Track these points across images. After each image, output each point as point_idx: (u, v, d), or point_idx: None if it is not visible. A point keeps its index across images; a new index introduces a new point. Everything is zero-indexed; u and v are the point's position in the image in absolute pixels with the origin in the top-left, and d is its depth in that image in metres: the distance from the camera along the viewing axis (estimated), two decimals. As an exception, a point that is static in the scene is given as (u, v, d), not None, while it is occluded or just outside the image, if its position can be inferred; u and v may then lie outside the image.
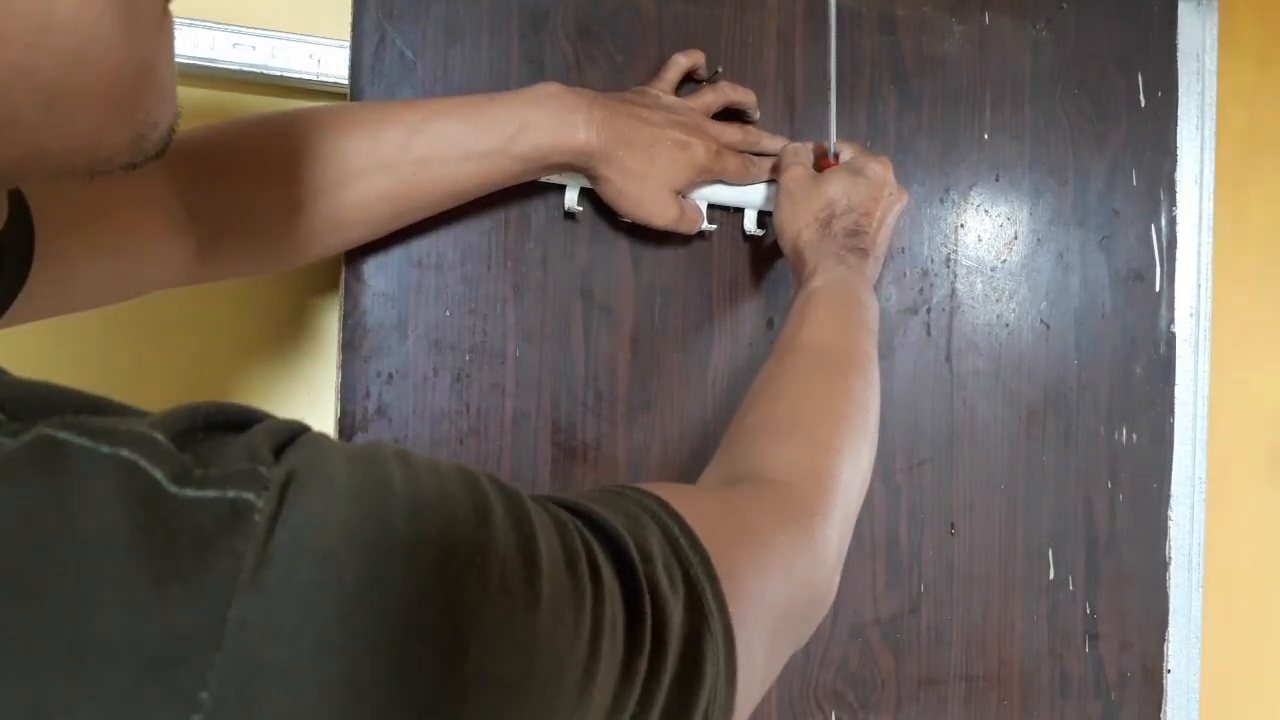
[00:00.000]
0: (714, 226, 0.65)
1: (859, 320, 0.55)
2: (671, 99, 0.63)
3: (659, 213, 0.60)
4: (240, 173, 0.50)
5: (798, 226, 0.61)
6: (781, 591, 0.39)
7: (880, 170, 0.61)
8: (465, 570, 0.23)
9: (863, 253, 0.59)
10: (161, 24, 0.28)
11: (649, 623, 0.29)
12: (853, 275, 0.58)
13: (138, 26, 0.26)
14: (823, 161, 0.64)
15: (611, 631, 0.27)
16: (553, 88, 0.55)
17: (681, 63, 0.64)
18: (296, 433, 0.24)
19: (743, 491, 0.44)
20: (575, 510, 0.32)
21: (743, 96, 0.65)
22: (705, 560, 0.34)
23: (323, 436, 0.25)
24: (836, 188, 0.60)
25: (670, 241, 0.66)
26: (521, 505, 0.27)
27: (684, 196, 0.62)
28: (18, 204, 0.40)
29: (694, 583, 0.32)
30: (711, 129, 0.62)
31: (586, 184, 0.61)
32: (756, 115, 0.67)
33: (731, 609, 0.33)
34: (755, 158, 0.64)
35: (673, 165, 0.58)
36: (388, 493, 0.23)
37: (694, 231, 0.63)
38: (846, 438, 0.49)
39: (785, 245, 0.62)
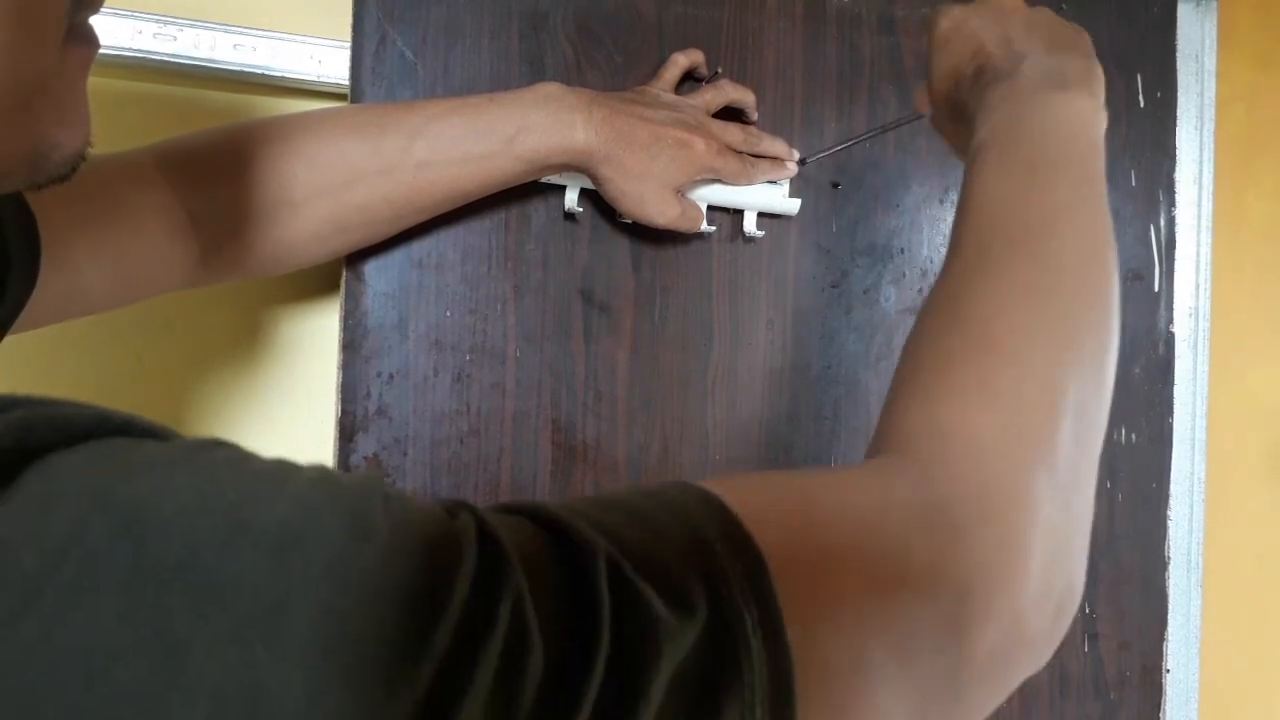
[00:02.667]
0: (714, 228, 0.65)
1: (1039, 160, 0.37)
2: (672, 97, 0.63)
3: (660, 211, 0.60)
4: (241, 177, 0.50)
5: (946, 86, 0.48)
6: (911, 622, 0.26)
7: None
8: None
9: (1013, 59, 0.43)
10: (66, 47, 0.28)
11: (600, 652, 0.21)
12: (1010, 97, 0.41)
13: (34, 44, 0.26)
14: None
15: (503, 659, 0.20)
16: (552, 88, 0.55)
17: (681, 62, 0.64)
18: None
19: (860, 472, 0.30)
20: (537, 517, 0.25)
21: (743, 95, 0.65)
22: (754, 574, 0.24)
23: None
24: (971, 27, 0.48)
25: (670, 241, 0.66)
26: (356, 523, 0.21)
27: (684, 195, 0.62)
28: (21, 211, 0.40)
29: (726, 604, 0.24)
30: (713, 127, 0.62)
31: (587, 184, 0.61)
32: (755, 115, 0.67)
33: (808, 641, 0.24)
34: (755, 159, 0.64)
35: (673, 164, 0.58)
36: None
37: (694, 230, 0.63)
38: (1033, 362, 0.32)
39: (942, 121, 0.51)
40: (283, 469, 0.23)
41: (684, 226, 0.62)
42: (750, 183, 0.64)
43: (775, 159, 0.65)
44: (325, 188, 0.51)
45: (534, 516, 0.25)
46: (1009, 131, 0.40)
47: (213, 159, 0.51)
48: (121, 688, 0.18)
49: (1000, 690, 0.29)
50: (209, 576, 0.19)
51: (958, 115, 0.48)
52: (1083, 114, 0.39)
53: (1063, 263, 0.35)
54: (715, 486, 0.27)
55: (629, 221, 0.63)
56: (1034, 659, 0.29)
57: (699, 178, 0.61)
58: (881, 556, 0.26)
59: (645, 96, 0.61)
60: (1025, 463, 0.30)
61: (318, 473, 0.22)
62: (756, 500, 0.27)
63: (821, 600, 0.25)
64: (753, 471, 0.27)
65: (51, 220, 0.42)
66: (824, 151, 0.67)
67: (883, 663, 0.25)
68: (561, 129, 0.54)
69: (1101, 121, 0.40)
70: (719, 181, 0.63)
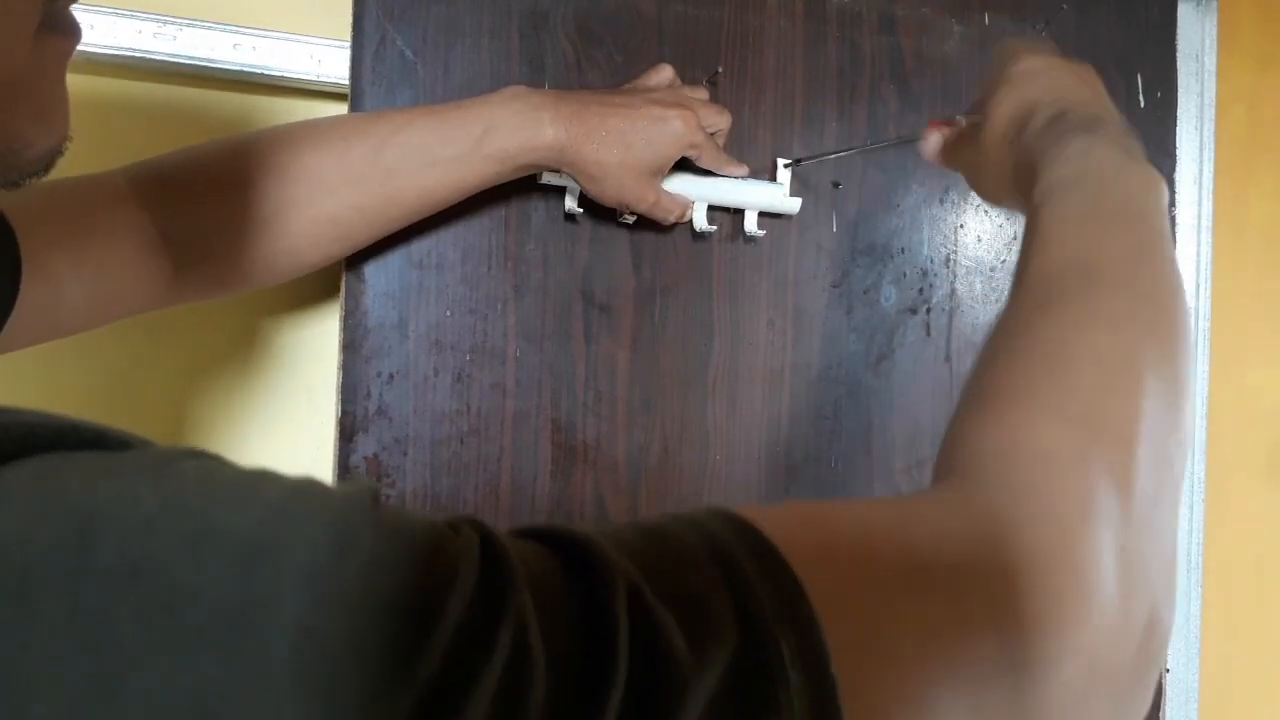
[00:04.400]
0: (714, 227, 0.65)
1: (1119, 209, 0.38)
2: (653, 84, 0.62)
3: (640, 198, 0.59)
4: (211, 195, 0.51)
5: (1010, 114, 0.47)
6: (976, 659, 0.24)
7: (1027, 54, 0.49)
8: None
9: (1095, 120, 0.43)
10: (42, 37, 0.27)
11: (616, 688, 0.20)
12: (1094, 149, 0.41)
13: (2, 33, 0.25)
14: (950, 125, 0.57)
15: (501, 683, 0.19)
16: (518, 89, 0.56)
17: (667, 72, 0.63)
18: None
19: (917, 503, 0.29)
20: (554, 539, 0.24)
21: (718, 119, 0.62)
22: (791, 601, 0.22)
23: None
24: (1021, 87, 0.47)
25: (670, 241, 0.66)
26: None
27: (662, 177, 0.61)
28: (1, 228, 0.41)
29: (758, 628, 0.22)
30: (693, 104, 0.60)
31: (587, 184, 0.62)
32: (722, 142, 0.65)
33: (859, 680, 0.22)
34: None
35: (650, 146, 0.57)
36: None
37: (682, 220, 0.63)
38: (1109, 387, 0.31)
39: (992, 192, 0.51)
40: (262, 477, 0.21)
41: (657, 215, 0.61)
42: (720, 170, 0.63)
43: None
44: (295, 201, 0.52)
45: (551, 539, 0.24)
46: (1089, 182, 0.39)
47: (182, 178, 0.51)
48: (57, 703, 0.16)
49: None
50: (163, 585, 0.17)
51: (1009, 150, 0.47)
52: (1156, 183, 0.40)
53: (1141, 294, 0.34)
54: (757, 517, 0.25)
55: (630, 221, 0.63)
56: (1119, 698, 0.27)
57: (680, 154, 0.60)
58: (940, 592, 0.25)
59: (620, 90, 0.61)
60: (1097, 485, 0.28)
61: (301, 482, 0.21)
62: (805, 539, 0.25)
63: (874, 637, 0.23)
64: (800, 502, 0.26)
65: (31, 238, 0.42)
66: (815, 156, 0.67)
67: (946, 704, 0.24)
68: (529, 126, 0.54)
69: (1166, 194, 0.40)
70: (698, 173, 0.63)
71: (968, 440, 0.31)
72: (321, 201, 0.52)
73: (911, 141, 0.59)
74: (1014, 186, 0.46)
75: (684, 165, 0.62)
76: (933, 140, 0.56)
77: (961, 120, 0.55)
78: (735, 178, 0.64)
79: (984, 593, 0.25)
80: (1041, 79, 0.48)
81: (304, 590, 0.18)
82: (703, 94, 0.64)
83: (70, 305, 0.46)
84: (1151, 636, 0.27)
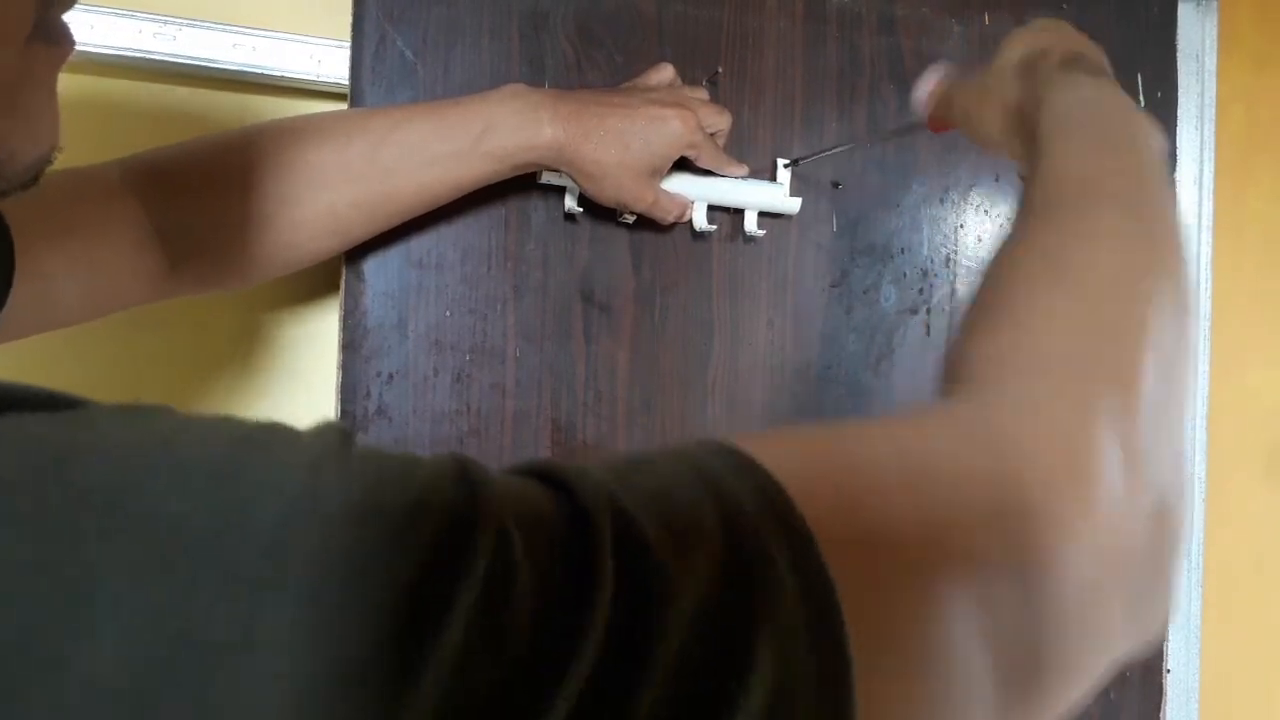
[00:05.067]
0: (714, 227, 0.65)
1: (1124, 137, 0.38)
2: (653, 84, 0.62)
3: (638, 197, 0.59)
4: (207, 189, 0.51)
5: (1023, 49, 0.47)
6: (979, 551, 0.24)
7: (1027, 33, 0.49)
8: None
9: (1104, 71, 0.45)
10: (33, 45, 0.27)
11: (604, 585, 0.20)
12: (1104, 87, 0.42)
13: None
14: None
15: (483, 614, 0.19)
16: (517, 87, 0.56)
17: (667, 71, 0.63)
18: None
19: (908, 416, 0.28)
20: (537, 471, 0.24)
21: (718, 119, 0.62)
22: (774, 503, 0.22)
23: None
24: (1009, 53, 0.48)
25: (670, 241, 0.66)
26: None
27: (661, 177, 0.61)
28: None
29: (744, 534, 0.22)
30: (692, 104, 0.60)
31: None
32: (722, 143, 0.64)
33: (856, 578, 0.22)
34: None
35: (648, 146, 0.57)
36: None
37: (680, 219, 0.62)
38: (1113, 295, 0.31)
39: (990, 130, 0.50)
40: (229, 418, 0.21)
41: (659, 215, 0.61)
42: (720, 170, 0.63)
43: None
44: (292, 198, 0.51)
45: (526, 468, 0.24)
46: (1101, 108, 0.40)
47: (178, 173, 0.51)
48: (20, 621, 0.16)
49: (1106, 637, 0.26)
50: (134, 508, 0.18)
51: (1016, 81, 0.47)
52: (1160, 134, 0.41)
53: (1143, 210, 0.34)
54: (741, 439, 0.25)
55: (629, 221, 0.63)
56: (1133, 591, 0.26)
57: (678, 154, 0.60)
58: (937, 490, 0.25)
59: (619, 89, 0.61)
60: (1096, 384, 0.28)
61: (268, 421, 0.21)
62: (788, 462, 0.24)
63: (872, 535, 0.23)
64: (786, 430, 0.26)
65: (25, 230, 0.42)
66: (813, 155, 0.67)
67: (954, 599, 0.23)
68: (528, 126, 0.54)
69: (1165, 143, 0.41)
70: (698, 172, 0.63)
71: (967, 350, 0.31)
72: (318, 197, 0.52)
73: (907, 131, 0.59)
74: (1015, 124, 0.46)
75: (684, 165, 0.62)
76: (929, 79, 0.53)
77: (953, 71, 0.53)
78: (735, 178, 0.64)
79: (983, 488, 0.25)
80: (1054, 32, 0.48)
81: (271, 507, 0.18)
82: (702, 94, 0.64)
83: (62, 299, 0.46)
84: (1161, 528, 0.27)
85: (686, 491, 0.23)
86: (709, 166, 0.62)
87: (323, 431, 0.21)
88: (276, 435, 0.20)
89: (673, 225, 0.64)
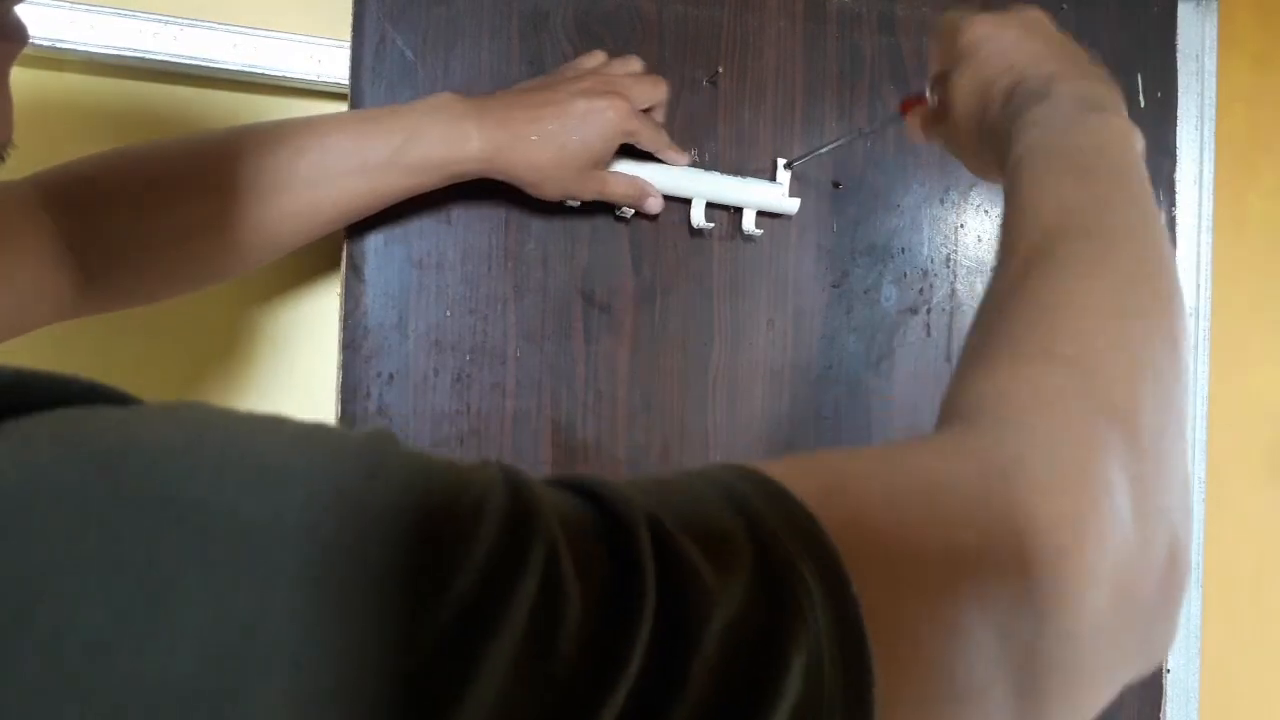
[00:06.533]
0: (711, 224, 0.65)
1: (1083, 162, 0.39)
2: (582, 68, 0.61)
3: (584, 189, 0.58)
4: (125, 202, 0.49)
5: (973, 101, 0.48)
6: (999, 586, 0.24)
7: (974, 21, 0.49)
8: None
9: (1049, 80, 0.44)
10: None
11: (647, 605, 0.20)
12: (1053, 113, 0.42)
13: None
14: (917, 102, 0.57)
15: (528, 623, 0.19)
16: (445, 97, 0.55)
17: (598, 57, 0.62)
18: None
19: (920, 444, 0.29)
20: (573, 484, 0.24)
21: (650, 90, 0.60)
22: (804, 527, 0.23)
23: None
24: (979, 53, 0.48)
25: (670, 241, 0.66)
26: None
27: (605, 166, 0.59)
28: None
29: (776, 552, 0.22)
30: (624, 87, 0.58)
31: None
32: (661, 117, 0.63)
33: (881, 604, 0.22)
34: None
35: (584, 143, 0.56)
36: None
37: (640, 202, 0.61)
38: (1103, 329, 0.31)
39: (969, 153, 0.51)
40: (277, 417, 0.21)
41: (615, 201, 0.60)
42: (660, 154, 0.61)
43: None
44: (207, 215, 0.50)
45: (566, 481, 0.24)
46: (1055, 145, 0.40)
47: (92, 186, 0.49)
48: (99, 628, 0.16)
49: (1119, 666, 0.27)
50: (195, 508, 0.18)
51: (978, 130, 0.48)
52: (1122, 132, 0.40)
53: (1126, 240, 0.35)
54: (760, 465, 0.25)
55: (629, 220, 0.63)
56: (1146, 628, 0.27)
57: (620, 141, 0.58)
58: (957, 526, 0.25)
59: (552, 76, 0.60)
60: (1098, 419, 0.28)
61: (317, 423, 0.21)
62: (810, 480, 0.25)
63: (896, 562, 0.23)
64: (801, 455, 0.27)
65: None
66: (808, 154, 0.67)
67: (975, 629, 0.24)
68: (455, 138, 0.53)
69: (1139, 140, 0.41)
70: (699, 170, 0.63)
71: (966, 389, 0.31)
72: (241, 210, 0.51)
73: (898, 120, 0.59)
74: (993, 164, 0.46)
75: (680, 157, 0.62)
76: (912, 123, 0.56)
77: (929, 96, 0.54)
78: (678, 165, 0.62)
79: (998, 515, 0.25)
80: (989, 47, 0.48)
81: (331, 510, 0.18)
82: (634, 65, 0.62)
83: None
84: (1174, 565, 0.27)
85: (716, 510, 0.23)
86: (650, 149, 0.61)
87: (376, 433, 0.21)
88: (332, 434, 0.20)
89: (656, 217, 0.63)
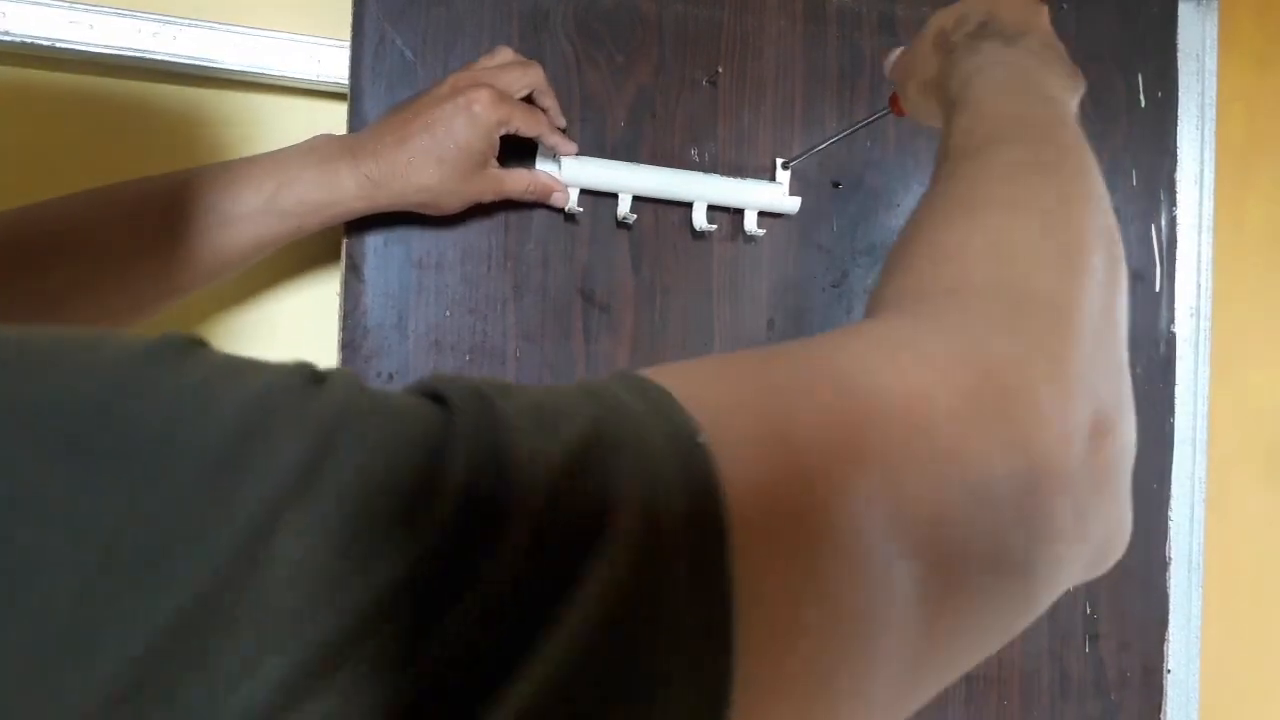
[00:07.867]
0: (713, 226, 0.65)
1: (1029, 95, 0.40)
2: (479, 66, 0.59)
3: (481, 191, 0.57)
4: (16, 260, 0.47)
5: (945, 21, 0.49)
6: (920, 468, 0.23)
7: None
8: None
9: (1019, 32, 0.45)
10: None
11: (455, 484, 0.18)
12: (1009, 52, 0.44)
13: None
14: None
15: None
16: (320, 139, 0.54)
17: (504, 53, 0.60)
18: None
19: (839, 332, 0.29)
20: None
21: (521, 77, 0.58)
22: (661, 410, 0.21)
23: None
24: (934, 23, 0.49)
25: (670, 241, 0.66)
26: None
27: (493, 161, 0.57)
28: None
29: (618, 428, 0.20)
30: (488, 78, 0.56)
31: (587, 185, 0.61)
32: (548, 101, 0.61)
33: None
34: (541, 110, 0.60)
35: (460, 148, 0.54)
36: None
37: (544, 195, 0.60)
38: (1010, 231, 0.31)
39: (916, 100, 0.52)
40: (256, 362, 0.21)
41: (521, 194, 0.59)
42: (543, 139, 0.59)
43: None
44: (79, 277, 0.49)
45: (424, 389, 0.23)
46: (1006, 69, 0.42)
47: None
48: (105, 560, 0.16)
49: (1048, 530, 0.25)
50: (165, 447, 0.17)
51: (933, 58, 0.49)
52: (1068, 102, 0.41)
53: (1055, 151, 0.35)
54: (662, 377, 0.23)
55: (629, 221, 0.63)
56: (1078, 502, 0.26)
57: (499, 133, 0.56)
58: (870, 398, 0.24)
59: (421, 92, 0.58)
60: (1021, 304, 0.29)
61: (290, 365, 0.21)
62: (702, 375, 0.24)
63: (782, 442, 0.22)
64: (709, 356, 0.26)
65: None
66: (805, 152, 0.67)
67: (856, 491, 0.22)
68: (328, 181, 0.52)
69: (1073, 113, 0.41)
70: (698, 172, 0.63)
71: (884, 289, 0.32)
72: (110, 273, 0.49)
73: (887, 113, 0.59)
74: (935, 91, 0.47)
75: (677, 161, 0.62)
76: (892, 53, 0.56)
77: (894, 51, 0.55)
78: (565, 153, 0.61)
79: (898, 391, 0.25)
80: (917, 55, 0.50)
81: (305, 439, 0.18)
82: (505, 56, 0.59)
83: None
84: (1101, 440, 0.27)
85: (566, 397, 0.22)
86: (529, 134, 0.58)
87: (341, 372, 0.21)
88: (297, 367, 0.20)
89: (618, 221, 0.63)
